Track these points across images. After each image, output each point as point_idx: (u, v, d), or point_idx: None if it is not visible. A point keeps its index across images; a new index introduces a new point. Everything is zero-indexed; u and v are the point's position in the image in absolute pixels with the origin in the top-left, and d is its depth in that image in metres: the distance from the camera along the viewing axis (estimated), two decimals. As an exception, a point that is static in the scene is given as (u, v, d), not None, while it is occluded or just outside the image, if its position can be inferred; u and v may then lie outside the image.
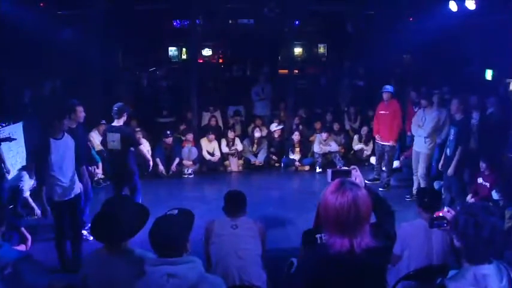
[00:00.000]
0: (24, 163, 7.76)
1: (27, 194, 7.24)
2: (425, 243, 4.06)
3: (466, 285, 2.20)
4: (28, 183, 7.26)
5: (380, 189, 8.49)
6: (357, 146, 10.50)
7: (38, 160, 5.39)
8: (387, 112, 8.61)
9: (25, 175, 7.27)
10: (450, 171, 6.93)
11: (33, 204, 7.23)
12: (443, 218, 2.77)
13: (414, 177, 8.12)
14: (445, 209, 2.84)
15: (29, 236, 5.87)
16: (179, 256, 2.52)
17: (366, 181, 3.08)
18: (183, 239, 2.57)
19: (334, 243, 2.32)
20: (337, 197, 2.32)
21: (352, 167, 3.09)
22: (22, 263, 1.84)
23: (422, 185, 7.77)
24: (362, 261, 2.32)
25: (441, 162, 7.33)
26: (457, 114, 6.98)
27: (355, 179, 2.85)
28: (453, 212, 2.68)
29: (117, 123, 6.60)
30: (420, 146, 7.88)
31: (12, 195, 7.15)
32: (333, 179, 2.71)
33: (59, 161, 5.32)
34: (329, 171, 3.13)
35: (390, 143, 8.68)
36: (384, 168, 9.06)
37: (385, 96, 8.61)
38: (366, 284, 2.44)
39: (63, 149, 5.36)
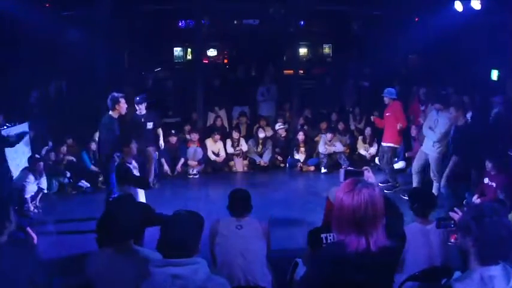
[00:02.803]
0: (27, 164, 7.65)
1: (28, 196, 7.21)
2: (425, 246, 4.02)
3: (472, 286, 2.19)
4: (32, 186, 7.24)
5: (386, 191, 8.22)
6: (361, 148, 10.44)
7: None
8: (389, 114, 8.52)
9: (30, 176, 7.26)
10: (443, 182, 6.97)
11: (32, 207, 7.23)
12: (450, 218, 2.76)
13: (413, 176, 8.00)
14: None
15: (34, 236, 5.87)
16: (188, 257, 2.49)
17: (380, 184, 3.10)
18: (196, 241, 2.56)
19: (350, 242, 2.32)
20: (353, 195, 2.32)
21: (365, 167, 3.10)
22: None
23: (435, 188, 7.52)
24: (378, 259, 2.33)
25: None
26: (458, 121, 6.88)
27: (368, 179, 2.85)
28: (460, 213, 2.66)
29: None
30: (428, 148, 7.71)
31: (17, 194, 7.15)
32: (345, 179, 2.70)
33: None
34: (342, 170, 3.14)
35: (389, 144, 8.55)
36: (386, 170, 8.93)
37: (384, 100, 8.54)
38: (379, 283, 2.45)
39: None
